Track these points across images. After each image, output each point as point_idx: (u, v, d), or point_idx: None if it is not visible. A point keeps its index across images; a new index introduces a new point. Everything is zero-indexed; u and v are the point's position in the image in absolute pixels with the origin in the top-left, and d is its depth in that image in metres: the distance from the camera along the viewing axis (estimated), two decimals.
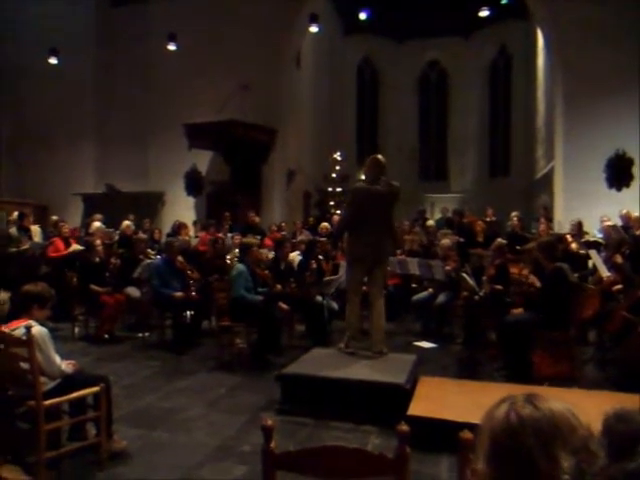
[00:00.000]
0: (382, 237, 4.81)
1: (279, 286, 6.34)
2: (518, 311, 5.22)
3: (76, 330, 6.87)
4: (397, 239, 5.27)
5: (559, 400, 0.96)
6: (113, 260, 7.27)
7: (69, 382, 3.30)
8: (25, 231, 7.99)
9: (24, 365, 3.10)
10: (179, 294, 6.25)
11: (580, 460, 0.78)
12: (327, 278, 6.55)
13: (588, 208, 9.34)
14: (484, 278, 6.28)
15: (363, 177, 5.12)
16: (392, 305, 6.81)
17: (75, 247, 7.74)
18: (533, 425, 0.90)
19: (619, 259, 5.85)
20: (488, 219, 10.39)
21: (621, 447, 0.79)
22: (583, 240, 7.68)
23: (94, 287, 6.58)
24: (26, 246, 7.54)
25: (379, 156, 5.03)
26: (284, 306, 6.12)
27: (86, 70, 13.09)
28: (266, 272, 6.39)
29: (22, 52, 13.30)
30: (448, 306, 6.73)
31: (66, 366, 3.36)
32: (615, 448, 0.79)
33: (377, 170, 4.88)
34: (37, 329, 3.17)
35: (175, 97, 12.12)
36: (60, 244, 7.90)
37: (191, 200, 12.42)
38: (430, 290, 7.03)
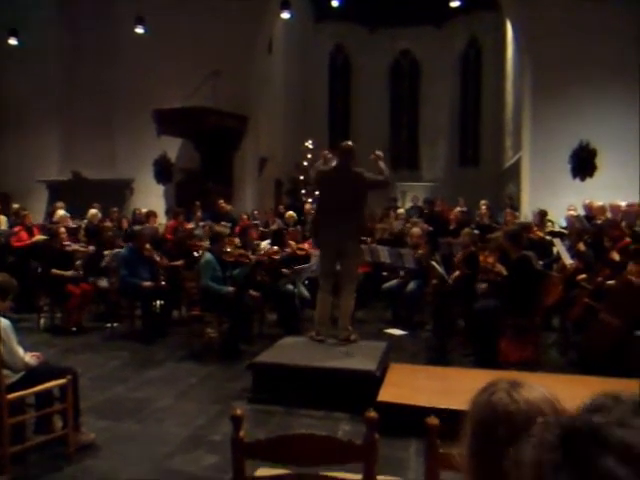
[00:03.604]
0: (348, 225, 4.70)
1: (252, 257, 6.29)
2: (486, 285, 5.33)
3: (41, 321, 6.71)
4: (364, 228, 5.17)
5: (540, 386, 0.96)
6: (80, 248, 7.11)
7: (34, 374, 3.23)
8: None
9: None
10: (148, 284, 6.16)
11: None
12: (297, 267, 6.54)
13: (554, 197, 9.58)
14: (455, 261, 6.38)
15: (334, 164, 5.07)
16: (363, 293, 6.87)
17: (39, 237, 7.54)
18: (508, 416, 0.90)
19: (582, 247, 6.04)
20: (459, 208, 10.55)
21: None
22: (548, 230, 7.89)
23: (56, 271, 6.40)
24: None
25: (349, 143, 5.02)
26: (255, 293, 6.09)
27: (50, 52, 12.63)
28: (238, 250, 6.33)
29: None
30: (418, 294, 6.82)
31: (30, 358, 3.28)
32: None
33: (344, 157, 4.83)
34: None
35: (144, 82, 11.81)
36: (24, 234, 7.67)
37: (160, 188, 12.20)
38: (401, 274, 7.10)
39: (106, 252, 6.97)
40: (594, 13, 9.84)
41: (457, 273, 6.19)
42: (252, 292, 6.05)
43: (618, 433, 0.54)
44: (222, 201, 10.27)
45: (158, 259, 6.62)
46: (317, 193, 5.48)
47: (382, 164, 4.93)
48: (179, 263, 7.11)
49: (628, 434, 0.54)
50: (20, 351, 3.23)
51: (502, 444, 0.86)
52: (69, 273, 6.51)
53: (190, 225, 8.80)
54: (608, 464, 0.52)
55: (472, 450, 0.93)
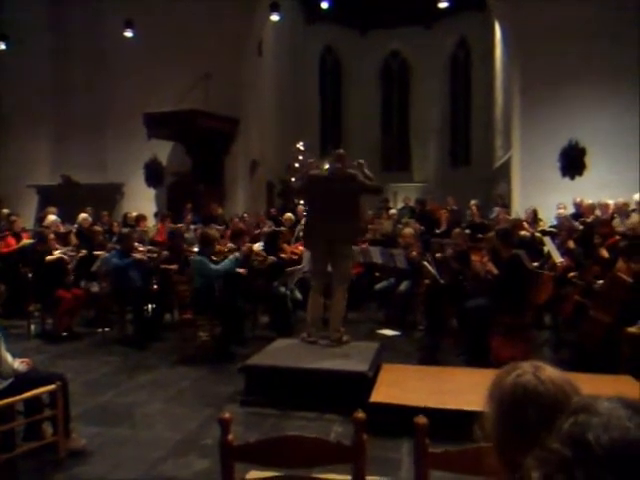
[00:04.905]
0: (340, 226, 4.72)
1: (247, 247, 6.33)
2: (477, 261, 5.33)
3: (32, 327, 6.65)
4: (360, 229, 5.24)
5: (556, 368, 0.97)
6: (67, 255, 7.07)
7: (23, 381, 3.20)
8: None
9: None
10: (139, 256, 6.32)
11: None
12: (289, 269, 6.53)
13: (544, 196, 9.64)
14: (442, 257, 6.42)
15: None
16: (355, 294, 6.87)
17: (25, 241, 7.48)
18: (536, 398, 0.91)
19: (572, 245, 6.07)
20: (449, 208, 10.58)
21: None
22: (539, 229, 7.94)
23: (50, 257, 6.36)
24: None
25: (341, 150, 5.20)
26: (242, 270, 6.03)
27: (40, 56, 12.53)
28: (226, 248, 6.34)
29: None
30: (410, 294, 6.84)
31: (19, 364, 3.25)
32: None
33: (336, 161, 4.95)
34: None
35: (134, 85, 11.75)
36: (12, 240, 7.61)
37: (151, 192, 12.14)
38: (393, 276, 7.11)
39: (98, 253, 6.93)
40: (582, 13, 9.92)
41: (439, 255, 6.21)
42: (239, 270, 5.98)
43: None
44: (215, 205, 10.24)
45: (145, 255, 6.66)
46: (303, 199, 5.61)
47: (367, 171, 5.02)
48: (173, 267, 7.07)
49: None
50: (9, 357, 3.20)
51: (532, 424, 0.89)
52: (64, 252, 6.53)
53: (180, 225, 8.76)
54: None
55: (501, 432, 0.93)
